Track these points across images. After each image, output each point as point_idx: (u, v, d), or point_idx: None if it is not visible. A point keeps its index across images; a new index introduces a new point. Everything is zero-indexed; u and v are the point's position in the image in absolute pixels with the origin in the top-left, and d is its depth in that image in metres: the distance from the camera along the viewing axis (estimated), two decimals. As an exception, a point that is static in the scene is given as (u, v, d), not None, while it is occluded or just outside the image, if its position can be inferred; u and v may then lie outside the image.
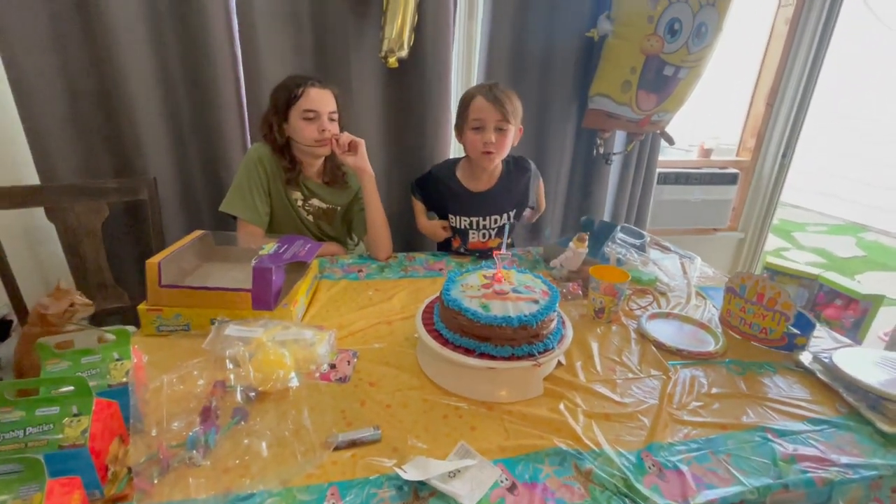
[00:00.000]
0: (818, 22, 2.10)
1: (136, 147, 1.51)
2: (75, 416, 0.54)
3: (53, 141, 1.44)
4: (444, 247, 1.51)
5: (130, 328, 1.16)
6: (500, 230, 1.42)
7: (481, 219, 1.39)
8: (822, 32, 2.12)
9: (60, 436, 0.52)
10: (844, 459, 0.66)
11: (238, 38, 1.53)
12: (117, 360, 0.64)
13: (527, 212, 1.50)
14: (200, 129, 1.58)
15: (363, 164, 1.29)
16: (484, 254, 1.42)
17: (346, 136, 1.26)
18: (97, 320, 1.42)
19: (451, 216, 1.41)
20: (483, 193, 1.39)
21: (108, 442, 0.57)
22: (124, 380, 0.62)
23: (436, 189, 1.42)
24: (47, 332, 0.82)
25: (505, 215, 1.41)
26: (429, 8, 1.58)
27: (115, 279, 1.49)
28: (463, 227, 1.40)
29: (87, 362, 0.63)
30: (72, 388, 0.56)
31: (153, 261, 0.89)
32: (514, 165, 1.43)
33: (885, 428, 0.71)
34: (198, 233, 1.10)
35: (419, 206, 1.47)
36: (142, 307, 0.90)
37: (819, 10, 2.09)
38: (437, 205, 1.46)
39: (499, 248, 1.34)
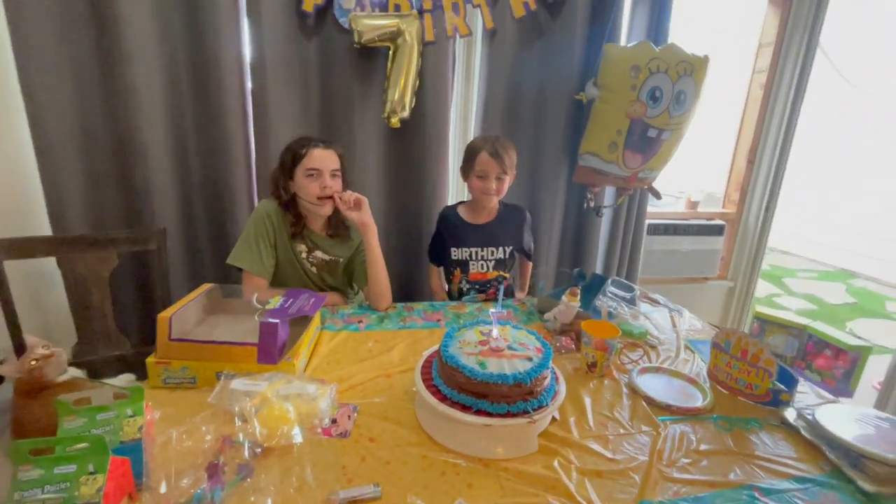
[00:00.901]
0: (790, 85, 2.27)
1: (146, 197, 1.59)
2: (91, 473, 0.57)
3: (66, 188, 1.52)
4: (449, 291, 1.65)
5: (130, 376, 1.19)
6: (499, 263, 1.59)
7: (480, 249, 1.56)
8: (794, 95, 2.28)
9: (77, 493, 0.55)
10: (828, 519, 0.68)
11: (250, 98, 1.64)
12: (130, 416, 0.67)
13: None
14: (209, 183, 1.66)
15: (367, 219, 1.35)
16: (483, 286, 1.56)
17: (350, 194, 1.34)
18: (98, 368, 1.43)
19: (453, 249, 1.57)
20: (483, 226, 1.57)
21: (120, 500, 0.59)
22: (137, 436, 0.65)
23: (444, 227, 1.59)
24: (38, 386, 0.79)
25: (502, 249, 1.58)
26: (429, 73, 1.72)
27: (118, 327, 1.51)
28: (464, 258, 1.57)
29: (103, 419, 0.65)
30: (87, 444, 0.59)
31: (164, 315, 0.93)
32: (512, 208, 1.64)
33: (866, 487, 0.74)
34: (206, 286, 1.14)
35: (434, 270, 1.69)
36: (150, 360, 0.93)
37: (790, 76, 2.26)
38: (443, 245, 1.60)
39: (497, 280, 1.56)
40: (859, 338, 1.95)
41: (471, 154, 1.49)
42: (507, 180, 1.49)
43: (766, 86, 2.32)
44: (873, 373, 2.01)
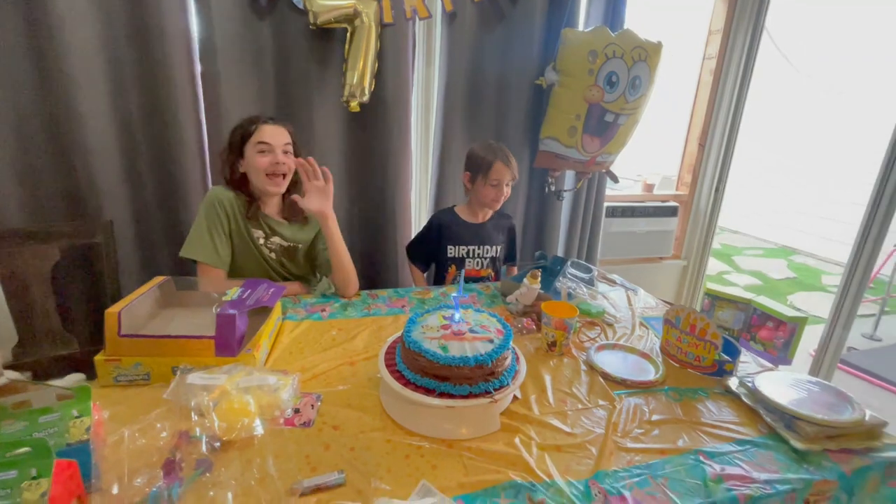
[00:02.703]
0: (738, 71, 2.37)
1: (90, 188, 1.49)
2: (34, 478, 0.54)
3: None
4: (441, 279, 1.68)
5: (80, 375, 1.14)
6: (492, 262, 1.68)
7: (476, 247, 1.65)
8: (741, 80, 2.39)
9: (19, 500, 0.52)
10: (764, 476, 0.74)
11: (200, 82, 1.56)
12: (77, 417, 0.64)
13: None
14: (159, 171, 1.58)
15: (326, 209, 1.30)
16: (477, 282, 1.62)
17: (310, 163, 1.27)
18: (44, 369, 1.35)
19: (449, 247, 1.63)
20: (478, 225, 1.66)
21: (68, 503, 0.56)
22: (84, 437, 0.62)
23: (440, 228, 1.64)
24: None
25: (495, 247, 1.68)
26: (388, 56, 1.68)
27: (64, 325, 1.43)
28: (460, 255, 1.64)
29: (46, 421, 0.62)
30: (29, 449, 0.56)
31: (112, 310, 0.88)
32: (502, 214, 1.76)
33: (798, 445, 0.80)
34: (158, 279, 1.09)
35: (418, 274, 1.71)
36: (99, 358, 0.88)
37: (738, 62, 2.37)
38: (436, 245, 1.64)
39: (489, 279, 1.65)
40: (798, 310, 2.11)
41: (482, 164, 1.54)
42: (511, 184, 1.60)
43: (715, 71, 2.41)
44: (809, 341, 2.18)
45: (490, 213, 1.68)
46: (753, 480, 0.73)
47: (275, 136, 1.29)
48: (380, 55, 1.67)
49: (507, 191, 1.58)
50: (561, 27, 1.77)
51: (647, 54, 1.72)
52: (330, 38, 1.64)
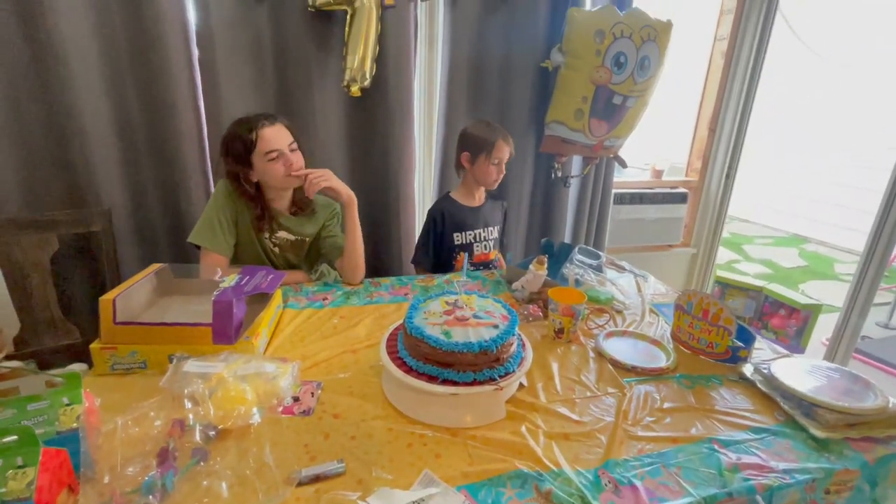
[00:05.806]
0: (750, 53, 2.30)
1: (88, 176, 1.47)
2: (20, 467, 0.52)
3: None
4: (448, 268, 1.61)
5: (81, 366, 1.12)
6: (497, 243, 1.65)
7: (481, 230, 1.61)
8: (754, 62, 2.31)
9: (3, 489, 0.50)
10: (782, 465, 0.71)
11: (198, 68, 1.52)
12: (67, 405, 0.62)
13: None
14: (158, 160, 1.55)
15: (350, 190, 1.31)
16: (486, 267, 1.63)
17: (316, 176, 1.27)
18: (44, 359, 1.35)
19: (456, 235, 1.58)
20: (478, 208, 1.62)
21: (57, 493, 0.55)
22: (74, 425, 0.60)
23: (442, 218, 1.57)
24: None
25: (496, 228, 1.66)
26: (390, 38, 1.64)
27: (65, 314, 1.42)
28: (468, 241, 1.60)
29: (34, 409, 0.60)
30: (15, 437, 0.54)
31: (107, 297, 0.86)
32: (493, 193, 1.71)
33: (817, 433, 0.77)
34: (155, 266, 1.07)
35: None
36: (94, 346, 0.86)
37: (751, 43, 2.29)
38: (441, 239, 1.58)
39: (492, 263, 1.63)
40: (811, 298, 2.05)
41: (484, 144, 1.48)
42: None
43: (727, 53, 2.34)
44: (821, 330, 2.13)
45: (483, 195, 1.65)
46: (771, 469, 0.70)
47: (279, 139, 1.24)
48: (381, 38, 1.62)
49: (504, 168, 1.55)
50: (567, 7, 1.71)
51: (656, 34, 1.67)
52: (329, 22, 1.60)
